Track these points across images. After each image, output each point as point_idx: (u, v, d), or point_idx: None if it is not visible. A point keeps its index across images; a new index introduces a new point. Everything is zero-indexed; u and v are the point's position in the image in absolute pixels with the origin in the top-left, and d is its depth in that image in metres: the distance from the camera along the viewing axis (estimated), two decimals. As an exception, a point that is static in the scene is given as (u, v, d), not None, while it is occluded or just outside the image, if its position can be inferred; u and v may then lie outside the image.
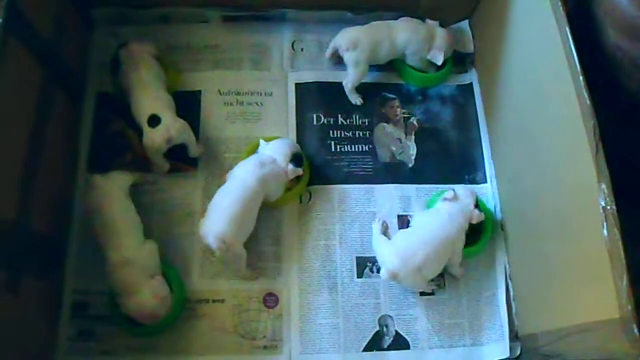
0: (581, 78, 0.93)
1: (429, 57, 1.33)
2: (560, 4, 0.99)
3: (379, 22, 1.32)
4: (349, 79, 1.31)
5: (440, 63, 1.33)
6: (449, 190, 1.19)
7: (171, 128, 1.16)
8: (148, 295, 1.06)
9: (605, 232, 0.86)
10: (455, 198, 1.17)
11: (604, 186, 0.87)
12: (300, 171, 1.20)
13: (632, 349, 0.81)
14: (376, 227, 1.19)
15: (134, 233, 1.11)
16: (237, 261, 1.14)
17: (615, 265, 0.84)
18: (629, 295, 0.82)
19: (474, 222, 1.16)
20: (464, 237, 1.16)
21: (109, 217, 1.09)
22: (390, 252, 1.12)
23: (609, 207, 0.86)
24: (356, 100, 1.33)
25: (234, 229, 1.09)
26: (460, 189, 1.20)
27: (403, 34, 1.31)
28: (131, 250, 1.08)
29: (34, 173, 1.06)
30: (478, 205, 1.18)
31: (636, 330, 0.80)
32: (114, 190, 1.13)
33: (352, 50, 1.28)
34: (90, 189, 1.13)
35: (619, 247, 0.84)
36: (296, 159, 1.19)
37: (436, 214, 1.18)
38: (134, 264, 1.07)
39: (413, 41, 1.31)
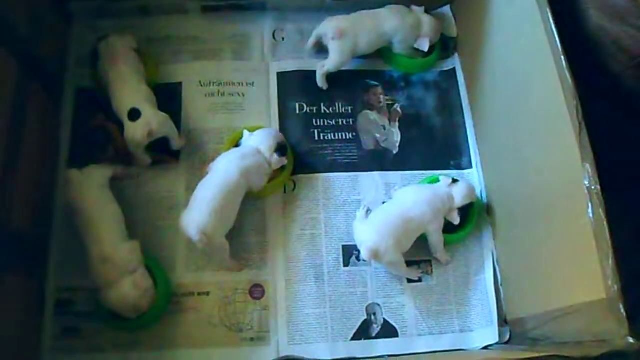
0: (562, 58, 0.94)
1: (415, 46, 1.34)
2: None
3: (364, 12, 1.32)
4: (328, 63, 1.31)
5: (426, 50, 1.34)
6: (450, 177, 1.21)
7: (152, 121, 1.16)
8: (129, 287, 1.06)
9: (590, 212, 0.87)
10: (452, 185, 1.18)
11: (587, 166, 0.88)
12: (284, 160, 1.21)
13: (619, 328, 0.82)
14: (360, 215, 1.18)
15: (115, 227, 1.11)
16: (219, 253, 1.14)
17: (601, 246, 0.85)
18: (614, 275, 0.83)
19: (447, 217, 1.17)
20: (441, 222, 1.17)
21: (87, 212, 1.09)
22: (367, 229, 1.13)
23: (593, 187, 0.87)
24: (323, 84, 1.33)
25: (214, 221, 1.09)
26: (463, 185, 1.20)
27: (390, 23, 1.31)
28: (111, 245, 1.08)
29: (13, 170, 1.05)
30: (471, 206, 1.20)
31: (623, 310, 0.82)
32: (91, 184, 1.12)
33: (338, 39, 1.28)
34: (67, 183, 1.13)
35: (604, 228, 0.85)
36: (280, 149, 1.19)
37: (420, 189, 1.19)
38: (113, 261, 1.07)
39: (400, 30, 1.31)
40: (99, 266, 1.06)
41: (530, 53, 1.05)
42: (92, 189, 1.12)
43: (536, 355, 0.92)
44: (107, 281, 1.06)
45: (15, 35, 1.09)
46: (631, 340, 0.81)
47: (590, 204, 0.88)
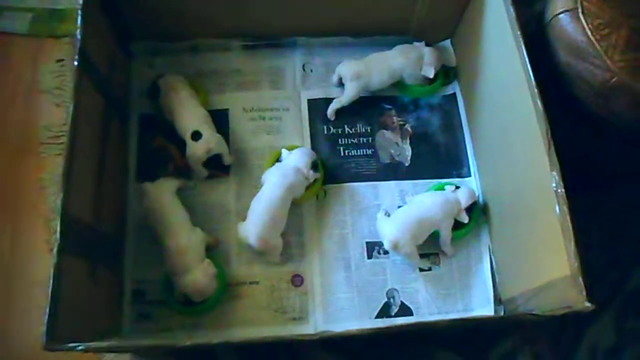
0: (535, 90, 1.05)
1: (422, 73, 1.43)
2: (517, 27, 1.11)
3: (376, 55, 1.43)
4: (343, 99, 1.42)
5: (431, 76, 1.43)
6: (451, 185, 1.32)
7: (211, 141, 1.28)
8: (200, 274, 1.18)
9: (557, 210, 1.00)
10: (455, 190, 1.29)
11: (555, 174, 1.00)
12: (318, 175, 1.32)
13: (579, 296, 0.94)
14: (380, 216, 1.30)
15: (184, 223, 1.23)
16: (274, 251, 1.26)
17: (566, 235, 0.98)
18: (575, 256, 0.96)
19: (457, 218, 1.28)
20: (451, 221, 1.27)
21: (163, 215, 1.22)
22: (390, 226, 1.24)
23: (559, 190, 1.00)
24: (332, 115, 1.44)
25: (268, 228, 1.22)
26: (465, 189, 1.30)
27: (397, 61, 1.42)
28: (185, 238, 1.20)
29: (102, 184, 1.18)
30: (473, 207, 1.30)
31: (581, 281, 0.94)
32: (163, 193, 1.25)
33: (355, 80, 1.40)
34: (144, 194, 1.26)
35: (567, 220, 0.98)
36: (314, 166, 1.30)
37: (433, 195, 1.29)
38: (188, 250, 1.19)
39: (407, 65, 1.42)
40: (176, 256, 1.19)
41: (511, 84, 1.14)
42: (165, 196, 1.25)
43: (513, 314, 1.07)
44: (183, 267, 1.18)
45: (100, 75, 1.22)
46: (588, 304, 0.93)
47: (557, 203, 0.99)
